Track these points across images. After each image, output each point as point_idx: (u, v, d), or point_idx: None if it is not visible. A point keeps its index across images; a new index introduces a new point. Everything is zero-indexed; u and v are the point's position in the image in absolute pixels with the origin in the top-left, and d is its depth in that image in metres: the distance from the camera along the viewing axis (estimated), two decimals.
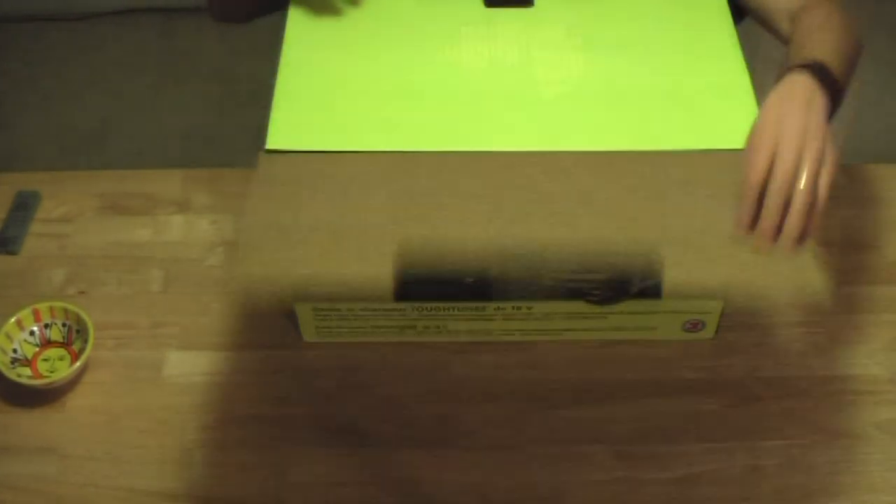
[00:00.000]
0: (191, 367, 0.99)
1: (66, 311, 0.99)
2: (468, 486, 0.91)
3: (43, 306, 0.99)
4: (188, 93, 1.83)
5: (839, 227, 1.09)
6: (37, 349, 0.99)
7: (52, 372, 0.98)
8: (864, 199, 1.12)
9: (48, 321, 1.00)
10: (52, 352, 1.00)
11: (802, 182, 0.69)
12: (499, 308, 0.93)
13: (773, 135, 0.71)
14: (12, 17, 1.82)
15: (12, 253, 1.09)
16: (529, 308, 0.93)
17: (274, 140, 0.80)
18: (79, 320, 0.98)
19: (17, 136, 1.79)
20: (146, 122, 1.82)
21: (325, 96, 0.85)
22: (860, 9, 1.83)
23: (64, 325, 0.99)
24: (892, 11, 1.82)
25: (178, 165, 1.18)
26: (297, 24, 0.91)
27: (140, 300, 1.04)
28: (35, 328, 1.00)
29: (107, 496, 0.90)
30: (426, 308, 0.93)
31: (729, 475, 0.91)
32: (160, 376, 0.98)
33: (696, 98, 0.85)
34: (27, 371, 0.98)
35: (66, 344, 1.00)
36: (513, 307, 0.93)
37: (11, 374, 0.95)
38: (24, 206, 1.13)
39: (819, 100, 0.73)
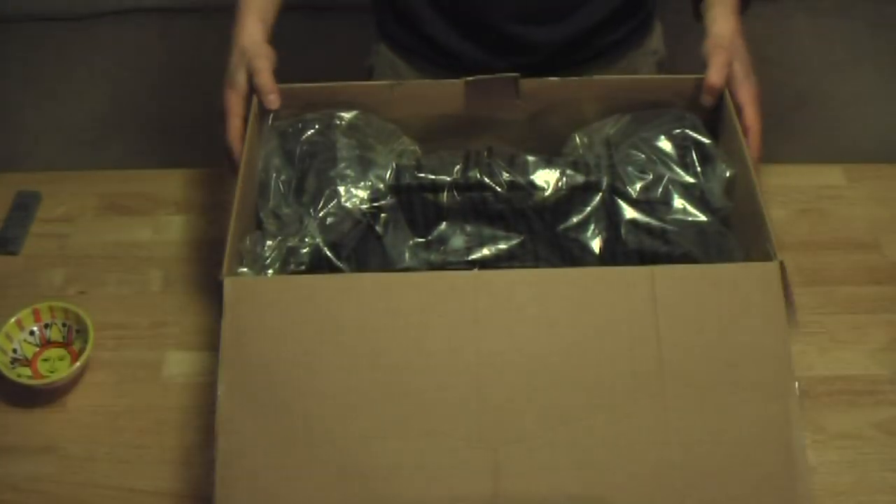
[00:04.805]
0: (191, 367, 0.99)
1: (66, 311, 0.99)
2: None
3: (43, 306, 0.99)
4: (188, 93, 1.82)
5: (839, 228, 1.09)
6: (37, 349, 0.99)
7: (52, 372, 0.98)
8: (864, 199, 1.12)
9: (48, 321, 1.00)
10: (52, 352, 0.99)
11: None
12: None
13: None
14: (12, 17, 1.82)
15: (12, 253, 1.09)
16: None
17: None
18: (79, 320, 0.98)
19: (17, 136, 1.79)
20: (146, 122, 1.82)
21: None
22: (860, 9, 1.82)
23: (64, 325, 0.99)
24: (892, 11, 1.81)
25: (178, 165, 1.18)
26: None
27: (140, 300, 1.04)
28: (35, 328, 1.00)
29: (107, 496, 0.90)
30: None
31: None
32: (160, 376, 0.98)
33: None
34: (27, 371, 0.98)
35: (66, 344, 1.00)
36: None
37: (11, 374, 0.95)
38: (24, 206, 1.12)
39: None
